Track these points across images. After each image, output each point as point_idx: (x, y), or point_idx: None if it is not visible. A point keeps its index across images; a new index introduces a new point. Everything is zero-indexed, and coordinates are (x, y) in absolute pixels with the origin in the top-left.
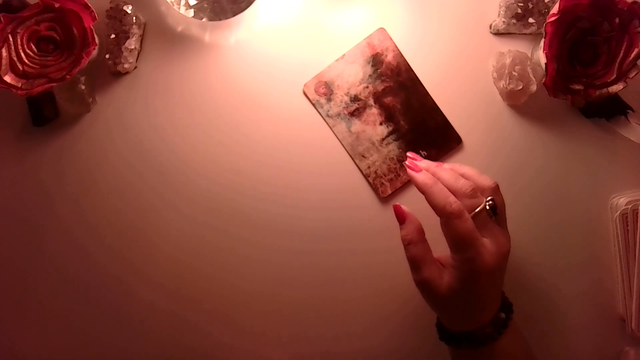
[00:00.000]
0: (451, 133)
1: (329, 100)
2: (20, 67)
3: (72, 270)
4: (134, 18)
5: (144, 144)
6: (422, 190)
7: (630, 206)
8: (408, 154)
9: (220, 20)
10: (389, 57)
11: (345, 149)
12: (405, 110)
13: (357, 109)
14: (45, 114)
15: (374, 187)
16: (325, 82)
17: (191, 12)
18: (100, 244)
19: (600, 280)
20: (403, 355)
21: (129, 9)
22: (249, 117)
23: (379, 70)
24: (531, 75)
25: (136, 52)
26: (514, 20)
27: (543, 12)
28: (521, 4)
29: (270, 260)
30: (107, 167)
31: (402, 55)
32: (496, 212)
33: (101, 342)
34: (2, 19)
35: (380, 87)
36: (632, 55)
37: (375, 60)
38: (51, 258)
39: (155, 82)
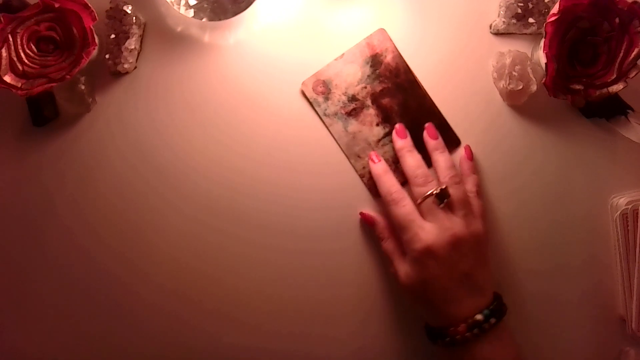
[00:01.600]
0: (450, 135)
1: (326, 99)
2: (20, 67)
3: (72, 270)
4: (134, 18)
5: (144, 143)
6: (374, 178)
7: (630, 206)
8: (396, 125)
9: (220, 20)
10: (388, 58)
11: (341, 149)
12: (403, 111)
13: (354, 109)
14: (45, 114)
15: (369, 188)
16: (324, 80)
17: (191, 12)
18: (100, 243)
19: (600, 280)
20: (402, 352)
21: (129, 9)
22: (249, 117)
23: (377, 71)
24: (531, 75)
25: (136, 52)
26: (514, 20)
27: (543, 12)
28: (521, 4)
29: (270, 260)
30: (107, 167)
31: (401, 57)
32: (443, 200)
33: (101, 341)
34: (2, 19)
35: (378, 88)
36: (632, 55)
37: (374, 61)
38: (51, 258)
39: (155, 82)
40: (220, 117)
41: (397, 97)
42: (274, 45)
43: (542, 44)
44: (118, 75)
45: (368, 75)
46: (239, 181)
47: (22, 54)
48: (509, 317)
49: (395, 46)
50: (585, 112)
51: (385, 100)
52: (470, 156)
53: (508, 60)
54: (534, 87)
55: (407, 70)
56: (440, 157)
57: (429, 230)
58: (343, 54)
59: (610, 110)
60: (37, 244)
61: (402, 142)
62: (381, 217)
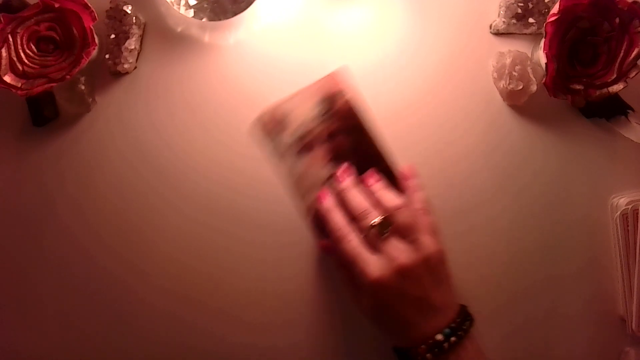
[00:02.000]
0: (394, 182)
1: (278, 134)
2: (20, 67)
3: (72, 270)
4: (134, 18)
5: (144, 143)
6: (323, 219)
7: (630, 206)
8: (340, 169)
9: (220, 20)
10: (344, 99)
11: (290, 188)
12: (353, 153)
13: (307, 145)
14: (45, 114)
15: (314, 227)
16: (278, 115)
17: (191, 12)
18: (101, 243)
19: (601, 280)
20: None
21: (129, 9)
22: (249, 117)
23: (332, 110)
24: (531, 75)
25: (136, 52)
26: (514, 20)
27: (543, 12)
28: (521, 4)
29: (270, 259)
30: (107, 167)
31: (356, 98)
32: (386, 228)
33: (101, 340)
34: (2, 19)
35: (332, 126)
36: (632, 55)
37: (330, 101)
38: (52, 258)
39: (155, 82)
40: (220, 117)
41: (351, 136)
42: (274, 46)
43: (542, 44)
44: (118, 75)
45: (323, 114)
46: (239, 181)
47: (22, 54)
48: (500, 316)
49: (350, 87)
50: (585, 112)
51: (339, 138)
52: (413, 174)
53: (508, 60)
54: (534, 87)
55: (359, 114)
56: (383, 191)
57: (374, 264)
58: (298, 93)
59: (610, 110)
60: (37, 244)
61: (343, 185)
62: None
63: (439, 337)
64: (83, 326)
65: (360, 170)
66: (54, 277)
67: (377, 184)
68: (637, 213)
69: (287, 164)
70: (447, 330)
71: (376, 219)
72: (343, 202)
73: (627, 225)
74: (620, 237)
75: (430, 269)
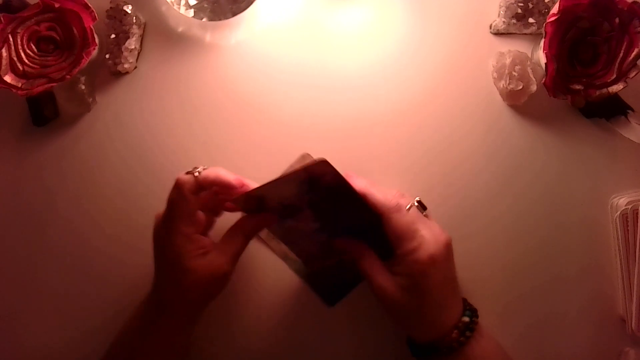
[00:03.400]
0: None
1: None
2: (20, 67)
3: (74, 269)
4: (134, 18)
5: (144, 143)
6: (362, 191)
7: (630, 206)
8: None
9: (220, 20)
10: (328, 177)
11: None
12: (338, 214)
13: (290, 212)
14: (45, 114)
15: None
16: (257, 197)
17: (191, 12)
18: (102, 243)
19: (600, 281)
20: None
21: (129, 9)
22: (249, 118)
23: (315, 186)
24: (531, 75)
25: (136, 52)
26: (514, 20)
27: (543, 12)
28: (521, 4)
29: (270, 259)
30: (108, 166)
31: (340, 176)
32: (425, 207)
33: (104, 338)
34: (2, 19)
35: (315, 198)
36: (632, 55)
37: (312, 180)
38: (52, 257)
39: (156, 82)
40: (220, 117)
41: (337, 204)
42: (274, 46)
43: (542, 44)
44: (118, 75)
45: (306, 191)
46: None
47: (23, 54)
48: (501, 316)
49: (335, 170)
50: (585, 112)
51: (323, 206)
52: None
53: (508, 60)
54: (534, 87)
55: (348, 186)
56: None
57: (429, 239)
58: (279, 177)
59: (610, 110)
60: (38, 243)
61: (362, 181)
62: (352, 239)
63: (466, 318)
64: (86, 324)
65: (349, 223)
66: (55, 277)
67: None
68: (637, 213)
69: (273, 226)
70: (467, 312)
71: (414, 199)
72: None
73: (627, 225)
74: (620, 237)
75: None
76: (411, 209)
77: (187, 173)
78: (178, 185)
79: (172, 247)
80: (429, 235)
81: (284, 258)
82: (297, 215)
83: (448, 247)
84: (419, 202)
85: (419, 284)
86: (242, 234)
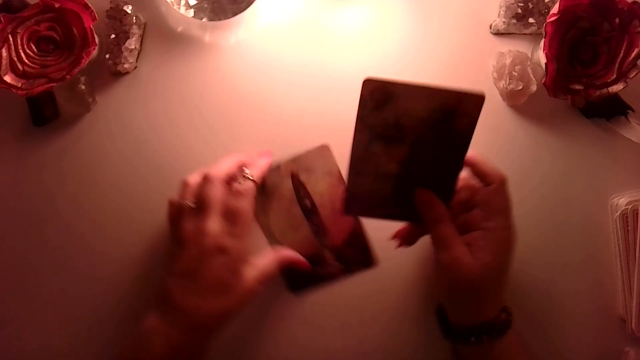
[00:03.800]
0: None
1: (375, 108)
2: (20, 67)
3: (74, 269)
4: (134, 18)
5: (144, 143)
6: (473, 161)
7: (630, 206)
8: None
9: (220, 20)
10: (463, 122)
11: (350, 157)
12: (426, 172)
13: (391, 136)
14: (45, 114)
15: (345, 201)
16: (390, 91)
17: (191, 12)
18: (102, 242)
19: (600, 280)
20: (399, 350)
21: (129, 9)
22: (249, 118)
23: (443, 124)
24: (531, 75)
25: (136, 52)
26: (514, 20)
27: (543, 12)
28: (521, 4)
29: None
30: (108, 166)
31: (472, 130)
32: None
33: (104, 337)
34: (2, 19)
35: (428, 136)
36: (632, 55)
37: (450, 115)
38: (53, 257)
39: (156, 82)
40: (220, 117)
41: (434, 157)
42: (274, 46)
43: (542, 44)
44: (118, 75)
45: (431, 121)
46: None
47: (23, 54)
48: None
49: (477, 118)
50: (585, 112)
51: (423, 152)
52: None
53: (508, 60)
54: (534, 87)
55: (465, 146)
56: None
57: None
58: (429, 87)
59: (610, 110)
60: (38, 243)
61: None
62: (436, 199)
63: (504, 315)
64: (84, 324)
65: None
66: (55, 277)
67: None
68: (637, 213)
69: (362, 137)
70: (506, 309)
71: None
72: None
73: (627, 225)
74: (620, 237)
75: None
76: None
77: (244, 177)
78: (248, 194)
79: (234, 267)
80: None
81: (266, 231)
82: (392, 144)
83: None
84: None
85: (501, 262)
86: (277, 261)
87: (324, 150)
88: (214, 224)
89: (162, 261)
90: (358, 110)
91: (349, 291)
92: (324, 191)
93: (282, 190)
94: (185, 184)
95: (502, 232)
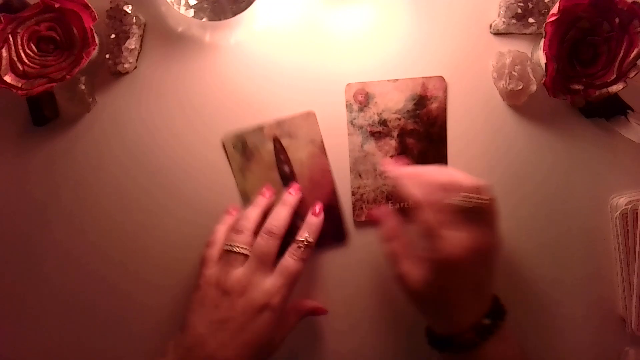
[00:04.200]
0: None
1: (360, 110)
2: (21, 67)
3: (73, 269)
4: (134, 18)
5: (144, 143)
6: (399, 182)
7: (630, 206)
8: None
9: (220, 20)
10: (434, 106)
11: (349, 161)
12: (419, 158)
13: (379, 132)
14: (45, 114)
15: (353, 207)
16: (367, 92)
17: (191, 12)
18: (102, 243)
19: (600, 280)
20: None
21: (129, 9)
22: (249, 117)
23: (418, 112)
24: (531, 75)
25: (136, 52)
26: (514, 20)
27: (543, 12)
28: (521, 4)
29: None
30: (108, 166)
31: (445, 111)
32: (469, 208)
33: (103, 337)
34: (2, 19)
35: (410, 126)
36: (632, 55)
37: (420, 101)
38: (52, 257)
39: (156, 82)
40: (220, 117)
41: (422, 144)
42: (274, 46)
43: (542, 44)
44: (118, 75)
45: (408, 111)
46: None
47: (23, 54)
48: (508, 316)
49: (445, 99)
50: (585, 112)
51: (410, 141)
52: None
53: (508, 60)
54: (533, 87)
55: (444, 126)
56: (455, 174)
57: (457, 240)
58: (397, 80)
59: (610, 110)
60: (38, 243)
61: (402, 169)
62: (389, 216)
63: (486, 321)
64: (79, 329)
65: None
66: (55, 276)
67: (449, 169)
68: (637, 213)
69: (355, 140)
70: (492, 314)
71: (457, 198)
72: (419, 177)
73: (627, 225)
74: (620, 237)
75: (492, 258)
76: (451, 209)
77: (297, 245)
78: (305, 261)
79: (275, 328)
80: (457, 238)
81: (242, 192)
82: (382, 140)
83: (477, 251)
84: (465, 200)
85: (436, 281)
86: (298, 315)
87: (309, 117)
88: (268, 281)
89: (163, 261)
90: (347, 115)
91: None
92: (305, 159)
93: (263, 153)
94: (239, 228)
95: (432, 254)
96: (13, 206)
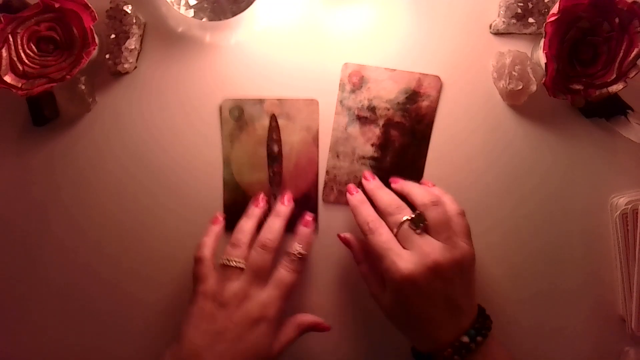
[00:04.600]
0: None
1: (352, 91)
2: (21, 67)
3: (73, 269)
4: (134, 18)
5: (144, 143)
6: (351, 209)
7: (630, 206)
8: (364, 172)
9: (220, 20)
10: (424, 103)
11: (330, 139)
12: (399, 152)
13: (366, 117)
14: (45, 114)
15: (324, 186)
16: (363, 76)
17: (191, 12)
18: (102, 243)
19: (600, 280)
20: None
21: (129, 9)
22: None
23: (408, 106)
24: (531, 75)
25: (136, 52)
26: (514, 20)
27: (543, 12)
28: (521, 4)
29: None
30: (108, 166)
31: (435, 111)
32: (419, 224)
33: (99, 348)
34: (2, 19)
35: (397, 119)
36: (632, 55)
37: (412, 96)
38: (52, 257)
39: (156, 82)
40: (219, 117)
41: (405, 138)
42: (274, 46)
43: (542, 44)
44: (118, 75)
45: (398, 103)
46: None
47: (23, 54)
48: (507, 321)
49: (437, 99)
50: (585, 112)
51: (394, 133)
52: (433, 184)
53: (508, 60)
54: (533, 87)
55: (430, 125)
56: (414, 187)
57: (406, 259)
58: (395, 70)
59: (610, 110)
60: (38, 244)
61: (372, 183)
62: (356, 240)
63: (465, 339)
64: (78, 328)
65: (392, 172)
66: (55, 276)
67: (408, 182)
68: (637, 213)
69: (341, 120)
70: (472, 331)
71: (410, 214)
72: (374, 199)
73: (627, 225)
74: (620, 237)
75: (463, 271)
76: (400, 229)
77: (290, 258)
78: (299, 272)
79: (271, 339)
80: (408, 256)
81: (225, 159)
82: (367, 126)
83: (434, 267)
84: (412, 218)
85: (399, 301)
86: (298, 329)
87: (312, 104)
88: (264, 293)
89: (163, 261)
90: (338, 94)
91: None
92: (295, 144)
93: (256, 126)
94: (235, 242)
95: (385, 275)
96: (13, 206)
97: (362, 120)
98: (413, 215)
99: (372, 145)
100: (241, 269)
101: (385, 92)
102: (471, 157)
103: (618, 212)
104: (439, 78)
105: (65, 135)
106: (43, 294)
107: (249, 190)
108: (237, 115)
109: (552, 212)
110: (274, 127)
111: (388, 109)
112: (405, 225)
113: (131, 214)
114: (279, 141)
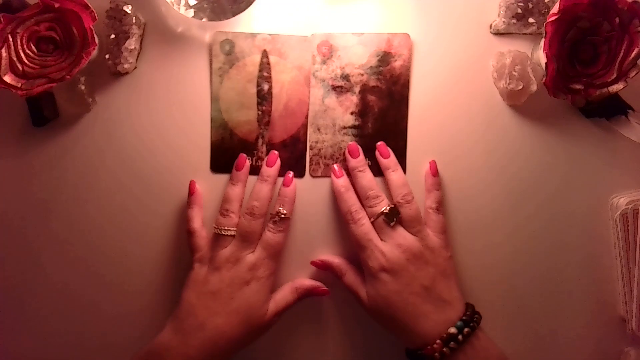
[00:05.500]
0: (402, 161)
1: (323, 62)
2: (20, 67)
3: (73, 269)
4: (134, 18)
5: (144, 143)
6: (335, 194)
7: (630, 206)
8: (350, 143)
9: (220, 20)
10: (397, 63)
11: (308, 115)
12: (379, 117)
13: (341, 87)
14: (45, 114)
15: (310, 162)
16: (332, 45)
17: (191, 12)
18: (101, 243)
19: (600, 280)
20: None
21: (128, 9)
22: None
23: (381, 68)
24: (531, 75)
25: (136, 52)
26: (514, 20)
27: (543, 12)
28: (521, 4)
29: None
30: (108, 166)
31: (409, 69)
32: (393, 218)
33: (103, 336)
34: (2, 19)
35: (372, 83)
36: (632, 54)
37: (384, 58)
38: (53, 257)
39: (155, 83)
40: None
41: (383, 102)
42: None
43: (542, 43)
44: (118, 75)
45: (371, 67)
46: None
47: (22, 54)
48: (507, 321)
49: (410, 57)
50: (585, 112)
51: (372, 98)
52: (435, 172)
53: (508, 60)
54: (534, 87)
55: (406, 84)
56: (393, 176)
57: (382, 248)
58: (362, 34)
59: (610, 110)
60: (38, 244)
61: (355, 161)
62: (333, 256)
63: (453, 330)
64: (78, 327)
65: (376, 138)
66: (55, 276)
67: (391, 161)
68: (637, 213)
69: (316, 93)
70: (459, 323)
71: (385, 208)
72: (354, 180)
73: (627, 225)
74: (620, 237)
75: (437, 261)
76: (376, 221)
77: (273, 219)
78: (286, 232)
79: (263, 298)
80: (384, 247)
81: (213, 96)
82: (343, 94)
83: (408, 255)
84: (388, 211)
85: (377, 290)
86: (296, 292)
87: (305, 42)
88: (253, 256)
89: (163, 260)
90: (310, 67)
91: None
92: (286, 83)
93: (247, 62)
94: (224, 212)
95: (364, 267)
96: (13, 206)
97: (338, 89)
98: (387, 210)
99: (352, 113)
100: (232, 236)
101: (356, 58)
102: (470, 157)
103: (618, 212)
104: (408, 35)
105: (65, 135)
106: (43, 293)
107: (237, 128)
108: (227, 50)
109: (552, 212)
110: (264, 65)
111: (362, 75)
112: (381, 218)
113: (131, 214)
114: (269, 79)
